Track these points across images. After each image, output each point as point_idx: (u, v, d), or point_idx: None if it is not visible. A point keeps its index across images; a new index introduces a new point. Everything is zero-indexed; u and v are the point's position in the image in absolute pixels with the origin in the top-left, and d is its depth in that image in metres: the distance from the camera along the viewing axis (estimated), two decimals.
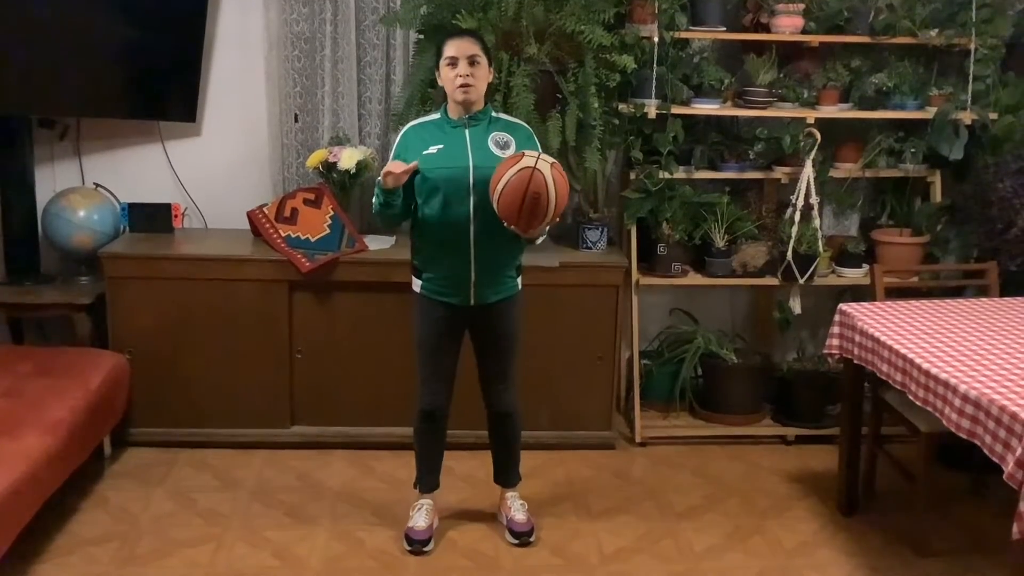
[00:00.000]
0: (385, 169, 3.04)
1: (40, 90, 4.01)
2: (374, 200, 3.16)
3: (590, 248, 4.11)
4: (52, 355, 3.78)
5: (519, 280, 3.29)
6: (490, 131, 3.13)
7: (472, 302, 3.17)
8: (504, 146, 3.11)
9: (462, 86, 3.05)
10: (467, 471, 3.80)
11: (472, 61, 3.05)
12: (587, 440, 4.11)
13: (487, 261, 3.13)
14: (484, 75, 3.11)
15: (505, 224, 3.00)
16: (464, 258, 3.11)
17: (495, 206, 2.97)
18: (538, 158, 2.94)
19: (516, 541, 3.38)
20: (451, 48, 3.06)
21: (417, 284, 3.24)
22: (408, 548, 3.31)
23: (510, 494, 3.49)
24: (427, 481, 3.43)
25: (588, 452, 4.08)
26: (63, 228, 4.08)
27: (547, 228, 3.07)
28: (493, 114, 3.21)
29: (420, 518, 3.36)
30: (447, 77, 3.08)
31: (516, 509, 3.44)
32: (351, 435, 4.04)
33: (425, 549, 3.31)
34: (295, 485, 3.76)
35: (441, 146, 3.08)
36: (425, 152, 3.09)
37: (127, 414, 3.89)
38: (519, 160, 2.94)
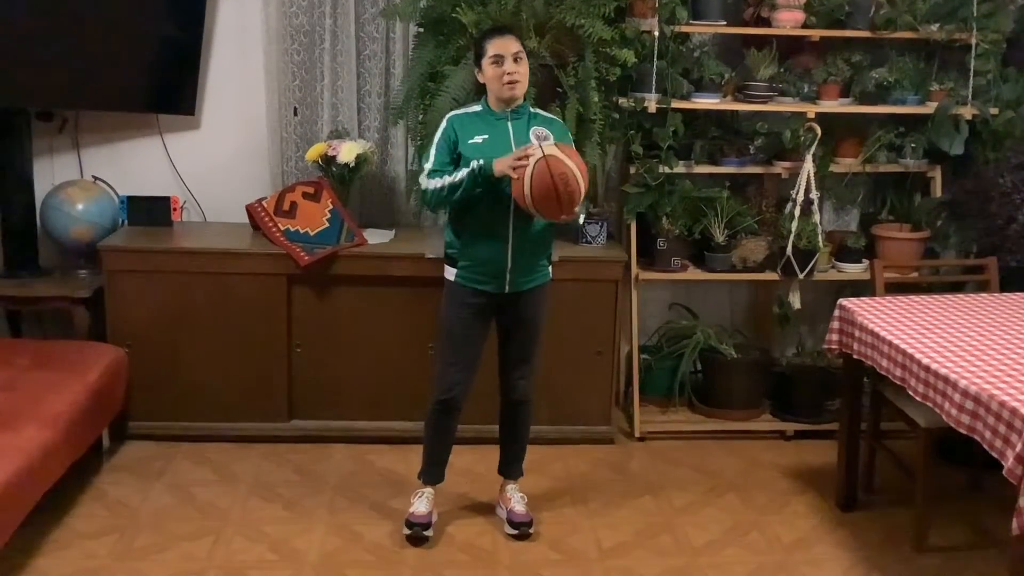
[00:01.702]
0: (511, 159, 3.03)
1: (38, 83, 3.99)
2: (451, 180, 3.11)
3: (589, 243, 4.11)
4: (50, 348, 3.78)
5: (551, 269, 3.36)
6: (530, 125, 3.21)
7: (507, 289, 3.23)
8: (544, 139, 3.18)
9: (509, 83, 3.12)
10: (466, 465, 3.79)
11: (516, 58, 3.13)
12: (586, 435, 4.11)
13: (523, 250, 3.20)
14: (527, 72, 3.19)
15: (555, 220, 3.12)
16: (502, 247, 3.17)
17: (535, 212, 3.07)
18: (540, 147, 3.03)
19: (515, 532, 3.39)
20: (496, 46, 3.13)
21: (451, 272, 3.28)
22: (408, 531, 3.31)
23: (510, 486, 3.50)
24: (432, 473, 3.43)
25: (587, 447, 4.08)
26: (62, 221, 4.08)
27: (582, 206, 3.17)
28: (531, 109, 3.29)
29: (421, 504, 3.37)
30: (493, 74, 3.14)
31: (516, 501, 3.45)
32: (350, 429, 4.04)
33: (425, 533, 3.32)
34: (294, 479, 3.76)
35: (486, 136, 3.16)
36: (470, 141, 3.15)
37: (126, 407, 3.88)
38: (527, 160, 3.01)
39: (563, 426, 4.08)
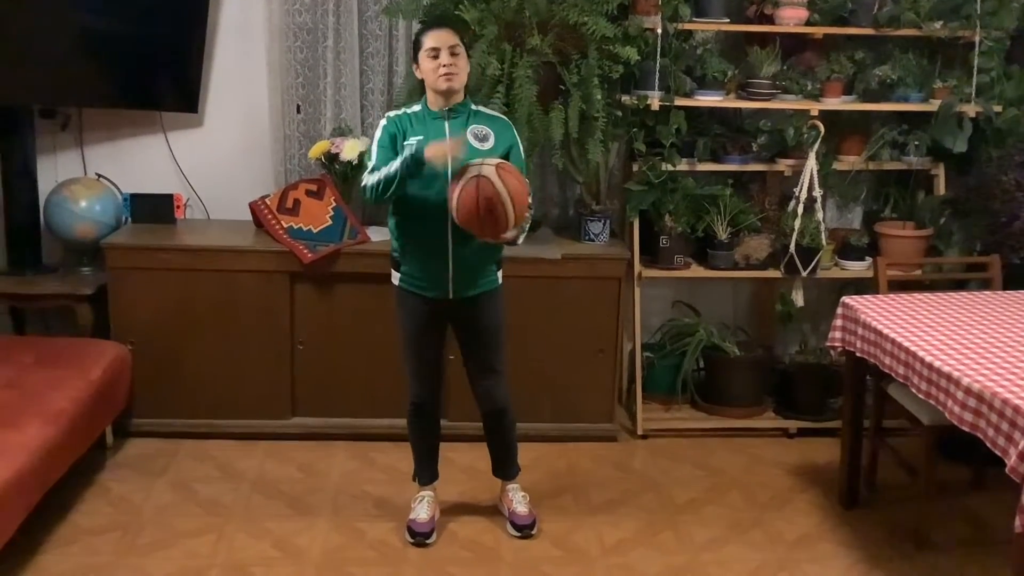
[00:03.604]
0: (437, 145, 2.96)
1: (42, 80, 4.00)
2: (387, 172, 3.02)
3: (592, 240, 4.11)
4: (54, 345, 3.79)
5: (499, 274, 3.29)
6: (469, 124, 3.14)
7: (451, 296, 3.18)
8: (483, 139, 3.12)
9: (445, 75, 3.05)
10: (468, 462, 3.80)
11: (453, 52, 3.06)
12: (589, 432, 4.11)
13: (465, 256, 3.13)
14: (464, 65, 3.12)
15: (476, 237, 3.02)
16: (442, 252, 3.12)
17: (458, 223, 2.99)
18: (482, 164, 2.97)
19: (518, 534, 3.39)
20: (431, 39, 3.07)
21: (396, 276, 3.25)
22: (411, 541, 3.32)
23: (511, 486, 3.50)
24: (425, 473, 3.45)
25: (590, 444, 4.08)
26: (65, 219, 4.08)
27: (519, 229, 3.06)
28: (473, 107, 3.21)
29: (422, 511, 3.37)
30: (428, 68, 3.08)
31: (517, 502, 3.44)
32: (352, 427, 4.04)
33: (427, 541, 3.32)
34: (296, 476, 3.77)
35: (421, 137, 3.03)
36: (405, 143, 3.04)
37: (129, 404, 3.89)
38: (465, 172, 2.97)
39: (566, 424, 4.08)
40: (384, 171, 3.03)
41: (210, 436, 3.98)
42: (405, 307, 3.25)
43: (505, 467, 3.49)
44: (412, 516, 3.37)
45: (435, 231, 3.09)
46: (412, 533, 3.32)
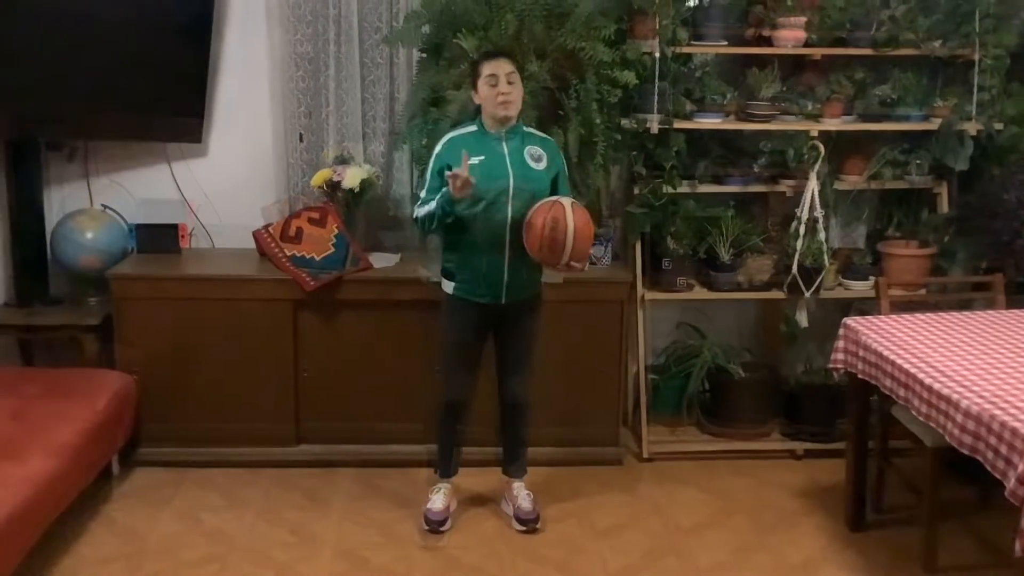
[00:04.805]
0: (455, 173, 3.17)
1: (49, 114, 4.05)
2: (429, 208, 3.31)
3: (594, 263, 4.11)
4: (60, 376, 3.81)
5: (541, 277, 3.52)
6: (525, 144, 3.39)
7: (503, 300, 3.39)
8: (538, 159, 3.38)
9: (503, 103, 3.27)
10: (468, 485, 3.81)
11: (510, 80, 3.29)
12: (594, 456, 4.10)
13: (519, 263, 3.35)
14: (520, 92, 3.35)
15: (537, 260, 3.29)
16: (499, 260, 3.34)
17: (524, 238, 3.26)
18: (559, 198, 3.28)
19: (523, 528, 3.54)
20: (490, 67, 3.30)
21: (449, 286, 3.45)
22: (426, 528, 3.52)
23: (516, 484, 3.64)
24: (446, 467, 3.64)
25: (594, 468, 4.07)
26: (72, 250, 4.12)
27: (576, 266, 3.27)
28: (524, 128, 3.45)
29: (438, 500, 3.57)
30: (487, 95, 3.30)
31: (523, 498, 3.61)
32: (358, 453, 4.05)
33: (442, 529, 3.51)
34: (301, 503, 3.77)
35: (482, 157, 3.29)
36: (448, 174, 3.24)
37: (134, 434, 3.91)
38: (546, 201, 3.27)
39: (570, 447, 4.07)
40: (428, 208, 3.32)
41: (216, 465, 4.00)
42: (457, 313, 3.45)
43: (515, 462, 3.67)
44: (428, 505, 3.56)
45: (494, 242, 3.33)
46: (427, 521, 3.53)
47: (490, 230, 3.31)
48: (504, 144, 3.34)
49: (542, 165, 3.37)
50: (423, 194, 3.38)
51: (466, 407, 3.58)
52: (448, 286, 3.44)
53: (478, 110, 3.40)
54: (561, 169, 3.46)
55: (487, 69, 3.29)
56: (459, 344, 3.48)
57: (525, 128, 3.44)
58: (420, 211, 3.36)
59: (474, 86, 3.35)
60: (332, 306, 3.97)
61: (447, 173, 3.22)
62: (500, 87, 3.26)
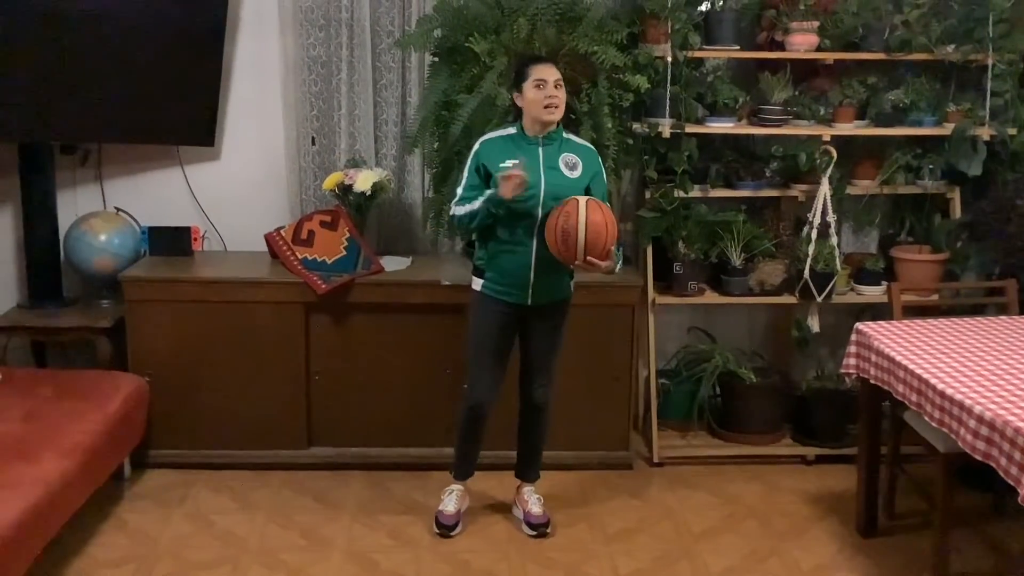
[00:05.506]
0: (511, 174, 3.17)
1: (62, 117, 4.07)
2: (471, 208, 3.30)
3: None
4: (72, 378, 3.82)
5: (571, 284, 3.51)
6: (561, 151, 3.37)
7: (530, 302, 3.39)
8: (572, 167, 3.36)
9: (548, 106, 3.27)
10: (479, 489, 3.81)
11: (557, 84, 3.29)
12: (604, 460, 4.10)
13: (546, 267, 3.34)
14: (564, 98, 3.34)
15: (553, 254, 3.24)
16: (526, 263, 3.34)
17: (547, 243, 3.24)
18: (579, 197, 3.23)
19: (534, 533, 3.54)
20: (539, 71, 3.29)
21: (478, 283, 3.43)
22: (437, 531, 3.53)
23: (527, 488, 3.64)
24: (463, 470, 3.63)
25: (605, 472, 4.06)
26: (85, 252, 4.14)
27: (612, 261, 3.26)
28: (564, 135, 3.42)
29: (450, 503, 3.57)
30: (534, 97, 3.28)
31: (533, 503, 3.60)
32: (368, 456, 4.05)
33: (452, 533, 3.52)
34: (312, 506, 3.78)
35: (517, 160, 3.26)
36: (502, 164, 3.26)
37: (146, 436, 3.92)
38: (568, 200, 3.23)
39: (581, 452, 4.07)
40: (469, 207, 3.32)
41: (227, 467, 4.00)
42: (484, 311, 3.43)
43: (529, 467, 3.67)
44: (440, 508, 3.57)
45: (521, 242, 3.33)
46: (438, 524, 3.54)
47: (518, 233, 3.31)
48: (540, 149, 3.33)
49: (576, 173, 3.34)
50: (460, 191, 3.38)
51: (489, 409, 3.53)
52: (477, 283, 3.43)
53: (518, 114, 3.37)
54: (596, 175, 3.40)
55: (536, 73, 3.28)
56: (485, 342, 3.45)
57: (565, 135, 3.42)
58: (460, 209, 3.35)
59: (518, 88, 3.33)
60: (343, 309, 3.97)
61: (499, 175, 3.20)
62: (547, 90, 3.26)
